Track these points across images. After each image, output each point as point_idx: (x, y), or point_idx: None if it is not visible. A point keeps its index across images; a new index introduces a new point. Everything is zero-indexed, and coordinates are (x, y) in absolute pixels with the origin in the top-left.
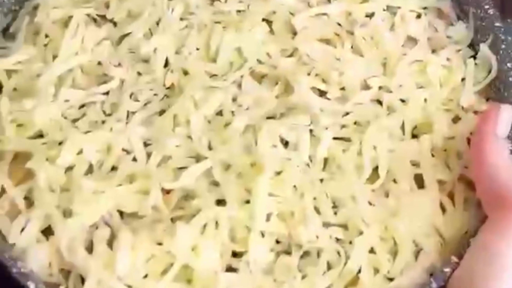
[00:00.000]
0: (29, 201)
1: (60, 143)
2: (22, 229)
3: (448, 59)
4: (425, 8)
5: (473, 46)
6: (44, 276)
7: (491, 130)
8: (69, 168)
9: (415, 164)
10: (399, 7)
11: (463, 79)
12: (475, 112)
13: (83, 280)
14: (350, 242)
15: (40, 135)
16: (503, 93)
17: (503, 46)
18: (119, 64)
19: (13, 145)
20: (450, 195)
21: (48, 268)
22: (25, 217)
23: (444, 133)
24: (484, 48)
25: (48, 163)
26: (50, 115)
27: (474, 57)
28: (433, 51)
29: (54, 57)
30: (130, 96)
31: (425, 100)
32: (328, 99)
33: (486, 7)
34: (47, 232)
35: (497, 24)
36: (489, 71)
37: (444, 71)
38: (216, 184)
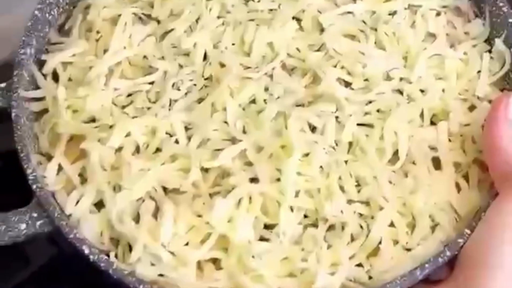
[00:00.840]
0: (83, 178)
1: (110, 127)
2: (77, 202)
3: (465, 53)
4: (444, 6)
5: (489, 41)
6: (96, 244)
7: (502, 115)
8: (119, 149)
9: (433, 148)
10: (420, 6)
11: (479, 72)
12: (490, 102)
13: (130, 248)
14: (372, 217)
15: (93, 120)
16: None
17: None
18: (163, 57)
19: (69, 128)
20: (465, 176)
21: (100, 237)
22: (80, 191)
23: (461, 120)
24: (498, 43)
25: (100, 144)
26: (101, 102)
27: (490, 51)
28: (451, 46)
29: (105, 51)
30: (173, 86)
31: (443, 90)
32: (353, 89)
33: (501, 4)
34: (99, 205)
35: (510, 20)
36: (503, 64)
37: (461, 64)
38: (250, 164)
